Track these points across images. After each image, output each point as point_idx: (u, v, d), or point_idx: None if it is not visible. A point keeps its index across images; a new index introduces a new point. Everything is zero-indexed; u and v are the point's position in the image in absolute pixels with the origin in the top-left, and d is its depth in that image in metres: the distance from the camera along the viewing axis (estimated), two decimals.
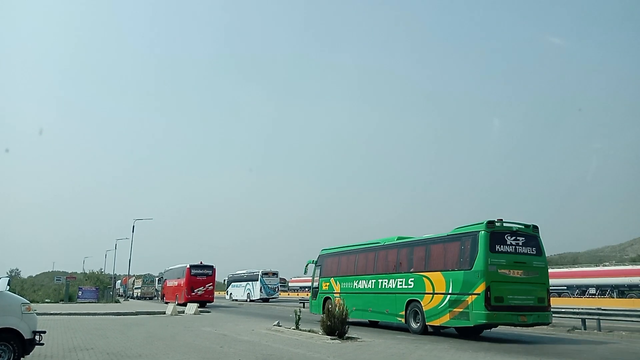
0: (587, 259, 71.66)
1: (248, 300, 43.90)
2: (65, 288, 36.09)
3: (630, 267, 39.54)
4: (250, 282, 44.90)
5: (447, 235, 13.85)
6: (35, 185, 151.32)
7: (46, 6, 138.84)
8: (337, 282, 18.35)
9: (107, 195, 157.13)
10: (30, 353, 7.71)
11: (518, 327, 14.43)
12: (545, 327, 16.43)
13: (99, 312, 22.50)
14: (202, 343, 11.58)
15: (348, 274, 17.93)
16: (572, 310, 17.12)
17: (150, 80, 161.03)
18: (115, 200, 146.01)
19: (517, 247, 12.60)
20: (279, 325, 14.59)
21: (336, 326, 12.03)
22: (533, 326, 13.70)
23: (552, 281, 44.82)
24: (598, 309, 16.32)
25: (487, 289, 11.88)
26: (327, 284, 18.93)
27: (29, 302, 7.99)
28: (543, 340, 13.48)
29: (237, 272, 48.96)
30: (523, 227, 13.04)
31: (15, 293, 8.99)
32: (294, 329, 13.59)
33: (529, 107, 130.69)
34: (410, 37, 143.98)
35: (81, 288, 37.46)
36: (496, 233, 12.49)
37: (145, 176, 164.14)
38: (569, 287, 40.37)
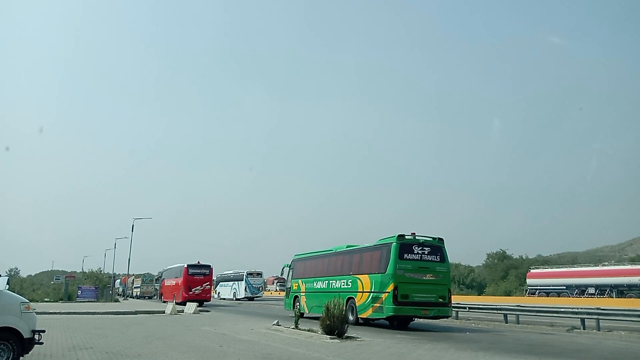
0: (586, 259, 71.67)
1: (234, 298, 45.23)
2: (65, 287, 36.09)
3: (629, 267, 39.52)
4: (236, 282, 46.75)
5: (373, 245, 16.80)
6: (35, 184, 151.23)
7: (46, 5, 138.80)
8: (303, 283, 21.00)
9: (106, 194, 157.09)
10: (30, 352, 7.71)
11: (517, 327, 15.18)
12: (544, 327, 16.58)
13: (98, 311, 22.49)
14: (201, 342, 11.58)
15: (310, 276, 20.58)
16: (571, 310, 17.13)
17: (151, 79, 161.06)
18: (115, 199, 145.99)
19: (423, 255, 15.45)
20: (279, 325, 14.59)
21: (335, 325, 12.04)
22: (435, 319, 16.51)
23: (551, 281, 44.70)
24: (597, 308, 16.34)
25: (395, 288, 14.83)
26: (296, 284, 21.51)
27: (28, 301, 7.99)
28: (542, 340, 13.50)
29: (225, 272, 50.70)
30: (430, 239, 15.82)
31: (14, 292, 8.98)
32: (293, 328, 13.60)
33: (529, 106, 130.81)
34: (411, 35, 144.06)
35: (80, 287, 37.47)
36: (405, 244, 15.37)
37: (145, 175, 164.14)
38: (568, 286, 40.38)
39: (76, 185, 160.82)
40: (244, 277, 45.30)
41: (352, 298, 16.81)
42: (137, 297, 50.04)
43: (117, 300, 38.00)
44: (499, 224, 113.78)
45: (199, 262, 33.06)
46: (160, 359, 9.14)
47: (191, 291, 31.40)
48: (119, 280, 60.51)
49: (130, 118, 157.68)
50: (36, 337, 7.62)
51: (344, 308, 14.26)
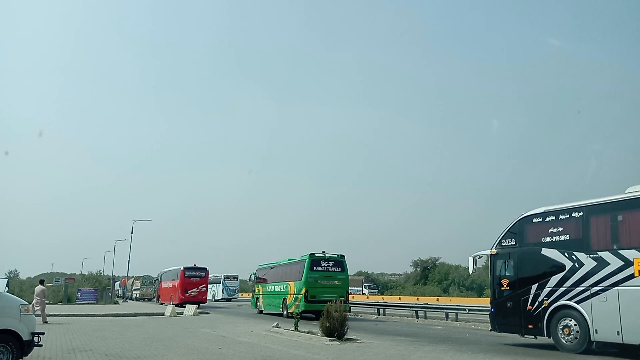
0: None
1: (213, 299, 47.36)
2: (64, 289, 36.01)
3: None
4: (214, 284, 49.00)
5: (296, 260, 22.37)
6: (35, 186, 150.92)
7: (45, 7, 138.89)
8: (261, 287, 26.57)
9: (106, 196, 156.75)
10: (29, 354, 7.70)
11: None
12: None
13: (97, 313, 22.45)
14: (201, 344, 11.57)
15: (264, 282, 26.18)
16: None
17: (150, 80, 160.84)
18: (115, 201, 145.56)
19: (328, 267, 21.00)
20: (278, 327, 14.60)
21: (335, 327, 12.03)
22: None
23: None
24: None
25: (306, 291, 20.28)
26: (257, 288, 27.17)
27: (27, 303, 8.00)
28: (542, 340, 13.48)
29: None
30: (335, 255, 21.40)
31: (13, 294, 8.99)
32: (293, 330, 13.60)
33: (528, 108, 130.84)
34: (412, 36, 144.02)
35: (80, 289, 37.34)
36: (315, 260, 20.88)
37: (144, 177, 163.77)
38: None
39: (75, 187, 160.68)
40: (222, 280, 49.52)
41: (285, 298, 22.54)
42: (137, 299, 49.98)
43: (116, 303, 37.93)
44: (499, 225, 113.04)
45: (195, 265, 33.75)
46: None
47: (187, 293, 32.01)
48: (118, 282, 60.40)
49: (130, 120, 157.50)
50: (35, 339, 7.62)
51: (282, 305, 22.25)
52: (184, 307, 25.31)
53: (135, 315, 22.75)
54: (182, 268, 33.19)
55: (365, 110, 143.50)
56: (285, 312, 21.97)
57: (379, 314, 25.48)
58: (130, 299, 50.95)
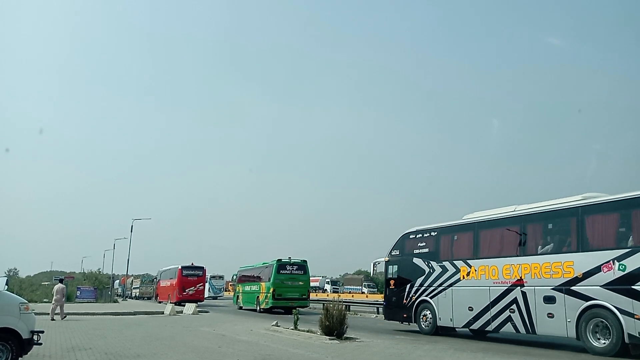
0: None
1: None
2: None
3: None
4: None
5: (268, 263, 26.06)
6: (35, 184, 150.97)
7: (45, 6, 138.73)
8: (240, 287, 30.61)
9: (105, 194, 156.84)
10: (29, 353, 7.70)
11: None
12: None
13: (97, 312, 22.48)
14: (200, 343, 11.58)
15: (243, 282, 30.31)
16: None
17: (149, 79, 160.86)
18: (114, 199, 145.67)
19: (292, 270, 25.15)
20: (278, 325, 14.61)
21: (334, 326, 12.03)
22: (297, 308, 20.48)
23: None
24: None
25: (274, 290, 24.37)
26: (238, 287, 31.24)
27: (27, 301, 7.99)
28: (541, 340, 13.50)
29: None
30: (298, 260, 25.58)
31: (13, 293, 8.99)
32: (292, 329, 13.61)
33: (528, 107, 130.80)
34: (410, 36, 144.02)
35: (79, 288, 37.39)
36: (281, 264, 24.91)
37: (144, 176, 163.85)
38: None
39: (75, 185, 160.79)
40: (208, 279, 50.60)
41: (258, 296, 26.54)
42: (136, 298, 50.02)
43: (116, 301, 37.99)
44: None
45: (192, 264, 34.09)
46: (159, 359, 9.14)
47: (185, 292, 32.33)
48: (118, 281, 60.43)
49: (130, 118, 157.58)
50: (35, 337, 7.62)
51: (256, 302, 26.67)
52: (184, 305, 25.36)
53: (134, 313, 22.77)
54: (179, 267, 33.57)
55: (363, 110, 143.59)
56: (258, 308, 26.22)
57: (378, 313, 25.47)
58: (129, 298, 50.98)
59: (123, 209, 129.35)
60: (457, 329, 13.90)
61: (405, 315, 15.26)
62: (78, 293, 35.53)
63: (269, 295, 24.70)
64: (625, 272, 9.64)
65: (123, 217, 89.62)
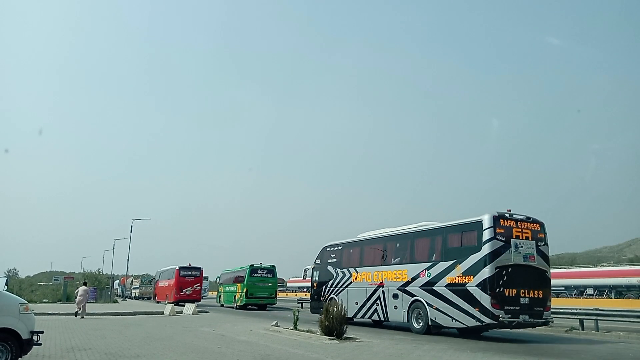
0: (585, 260, 71.74)
1: None
2: (63, 288, 36.05)
3: (628, 267, 39.63)
4: None
5: (243, 267, 30.63)
6: (34, 184, 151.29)
7: (45, 8, 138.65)
8: (222, 287, 35.26)
9: (105, 195, 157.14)
10: (28, 353, 7.69)
11: (514, 330, 15.16)
12: (543, 327, 16.52)
13: (97, 312, 22.43)
14: (200, 343, 11.57)
15: (224, 283, 35.07)
16: (570, 310, 17.15)
17: (149, 79, 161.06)
18: (114, 200, 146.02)
19: (263, 274, 29.95)
20: (277, 326, 14.59)
21: (334, 326, 12.03)
22: (266, 306, 29.91)
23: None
24: (596, 309, 16.35)
25: (247, 290, 29.07)
26: (220, 288, 35.92)
27: (26, 302, 7.97)
28: (541, 340, 13.51)
29: None
30: (268, 265, 30.46)
31: (13, 293, 8.98)
32: (292, 329, 13.60)
33: (528, 108, 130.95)
34: (409, 37, 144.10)
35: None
36: (254, 269, 29.71)
37: (143, 176, 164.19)
38: (567, 287, 40.43)
39: (75, 186, 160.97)
40: None
41: (235, 295, 31.09)
42: (136, 298, 49.97)
43: (115, 301, 37.95)
44: None
45: (190, 264, 34.64)
46: (159, 359, 9.14)
47: (182, 292, 32.90)
48: (117, 281, 60.35)
49: (129, 119, 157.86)
50: (35, 338, 7.60)
51: (233, 300, 31.24)
52: (183, 305, 25.35)
53: (134, 314, 22.74)
54: (177, 267, 34.02)
55: (362, 110, 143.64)
56: (235, 305, 30.70)
57: None
58: (129, 298, 50.92)
59: (123, 209, 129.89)
60: (353, 319, 16.86)
61: (322, 309, 16.56)
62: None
63: (243, 294, 29.54)
64: (430, 278, 14.27)
65: (123, 218, 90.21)
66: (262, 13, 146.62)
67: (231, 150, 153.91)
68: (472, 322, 12.79)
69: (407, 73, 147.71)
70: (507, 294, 12.39)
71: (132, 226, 42.25)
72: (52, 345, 10.32)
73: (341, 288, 18.47)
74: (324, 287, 19.57)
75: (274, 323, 15.01)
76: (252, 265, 29.70)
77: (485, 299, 12.34)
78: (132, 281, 56.46)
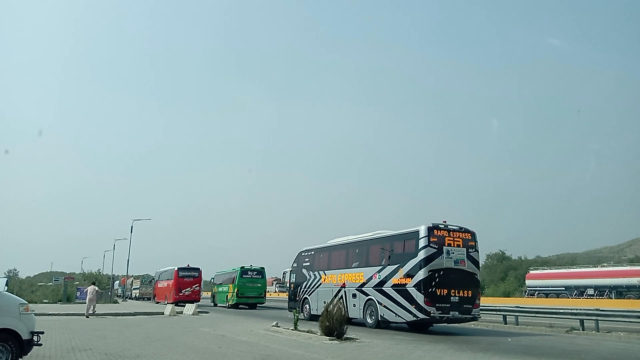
0: (585, 260, 71.62)
1: None
2: (64, 288, 36.02)
3: (628, 267, 39.56)
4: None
5: (235, 269, 32.30)
6: (34, 185, 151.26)
7: (45, 7, 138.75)
8: (216, 287, 36.79)
9: (105, 195, 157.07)
10: (29, 353, 7.69)
11: (516, 328, 16.03)
12: (543, 328, 16.60)
13: (97, 312, 22.43)
14: (200, 344, 11.57)
15: (218, 283, 36.38)
16: (570, 311, 17.13)
17: (150, 79, 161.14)
18: (114, 200, 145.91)
19: (253, 275, 31.60)
20: (278, 326, 14.59)
21: (335, 327, 12.04)
22: (256, 305, 31.63)
23: (550, 282, 44.79)
24: (596, 309, 16.34)
25: (238, 290, 30.87)
26: (214, 288, 37.27)
27: (27, 302, 7.97)
28: (541, 341, 13.51)
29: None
30: (258, 267, 32.16)
31: (13, 293, 8.97)
32: (292, 329, 13.61)
33: (527, 108, 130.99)
34: (410, 37, 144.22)
35: (79, 288, 37.33)
36: (244, 271, 31.45)
37: (144, 176, 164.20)
38: (567, 287, 40.38)
39: (75, 186, 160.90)
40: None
41: (227, 295, 32.82)
42: (137, 299, 49.96)
43: (116, 302, 37.95)
44: (498, 225, 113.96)
45: (188, 265, 35.08)
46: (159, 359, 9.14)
47: (181, 292, 33.34)
48: (118, 282, 60.34)
49: (130, 119, 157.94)
50: (35, 338, 7.60)
51: (226, 299, 32.87)
52: (183, 306, 25.35)
53: (134, 314, 22.75)
54: (176, 268, 34.40)
55: (364, 110, 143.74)
56: (227, 304, 32.38)
57: None
58: (129, 298, 50.91)
59: (123, 209, 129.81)
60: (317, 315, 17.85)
61: (297, 308, 19.63)
62: (78, 294, 35.47)
63: (234, 294, 31.45)
64: (380, 279, 16.18)
65: (123, 218, 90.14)
66: (264, 11, 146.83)
67: (232, 149, 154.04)
68: (410, 318, 14.77)
69: (410, 71, 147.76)
70: (438, 294, 14.28)
71: (132, 227, 42.17)
72: (52, 345, 10.32)
73: (313, 289, 20.24)
74: (299, 288, 21.36)
75: (274, 323, 15.01)
76: (242, 267, 31.59)
77: (420, 298, 14.29)
78: (132, 281, 56.42)
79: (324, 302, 17.91)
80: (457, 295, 14.50)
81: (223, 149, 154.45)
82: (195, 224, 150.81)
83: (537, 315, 17.88)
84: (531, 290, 43.81)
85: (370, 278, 16.64)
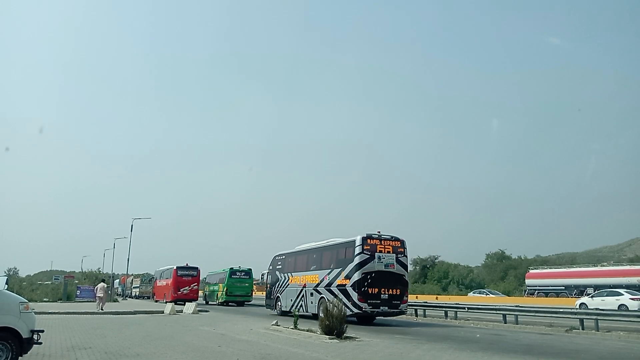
0: (585, 259, 71.68)
1: None
2: (64, 287, 36.05)
3: (628, 267, 39.57)
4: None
5: (224, 270, 35.23)
6: (35, 184, 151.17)
7: (46, 7, 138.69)
8: (207, 286, 39.41)
9: (106, 194, 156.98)
10: (29, 352, 7.70)
11: (516, 327, 15.56)
12: (543, 327, 16.62)
13: (97, 311, 22.47)
14: (200, 342, 11.58)
15: (210, 283, 39.03)
16: (569, 310, 17.17)
17: (151, 79, 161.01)
18: (114, 199, 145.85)
19: (241, 276, 34.55)
20: (277, 325, 14.61)
21: (334, 326, 12.05)
22: (244, 302, 34.33)
23: (550, 281, 44.84)
24: (596, 309, 16.36)
25: (226, 289, 34.02)
26: (206, 287, 39.75)
27: (27, 301, 7.98)
28: (541, 340, 13.52)
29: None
30: (245, 268, 35.05)
31: (13, 292, 8.98)
32: (292, 328, 13.62)
33: (528, 107, 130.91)
34: (411, 37, 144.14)
35: (79, 287, 37.41)
36: (233, 272, 34.44)
37: (144, 175, 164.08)
38: (567, 287, 40.42)
39: (75, 185, 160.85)
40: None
41: (217, 293, 35.57)
42: (137, 297, 50.01)
43: (116, 300, 37.99)
44: (498, 224, 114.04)
45: (187, 264, 35.65)
46: (159, 359, 9.14)
47: (180, 291, 33.90)
48: (117, 280, 60.39)
49: (130, 118, 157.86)
50: (35, 337, 7.61)
51: (216, 297, 35.86)
52: (183, 304, 25.38)
53: (134, 313, 22.77)
54: (174, 267, 34.86)
55: (365, 110, 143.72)
56: (217, 302, 35.22)
57: None
58: (130, 297, 50.95)
59: (123, 208, 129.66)
60: (290, 312, 20.19)
61: (272, 305, 23.71)
62: (78, 292, 35.52)
63: (223, 292, 34.20)
64: (329, 280, 18.71)
65: (123, 217, 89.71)
66: (265, 11, 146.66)
67: (233, 149, 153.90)
68: (348, 312, 16.09)
69: (410, 72, 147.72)
70: (370, 292, 16.94)
71: (132, 225, 42.24)
72: (52, 344, 10.34)
73: (283, 288, 22.72)
74: (273, 287, 23.94)
75: (274, 322, 15.04)
76: (231, 269, 34.57)
77: (354, 296, 16.93)
78: (132, 280, 56.49)
79: (291, 300, 21.62)
80: (386, 293, 17.08)
81: (223, 148, 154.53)
82: (195, 223, 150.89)
83: (536, 314, 17.89)
84: (531, 289, 43.84)
85: (323, 279, 19.22)
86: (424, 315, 22.46)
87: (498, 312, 19.23)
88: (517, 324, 17.82)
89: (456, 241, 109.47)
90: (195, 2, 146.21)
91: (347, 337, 11.98)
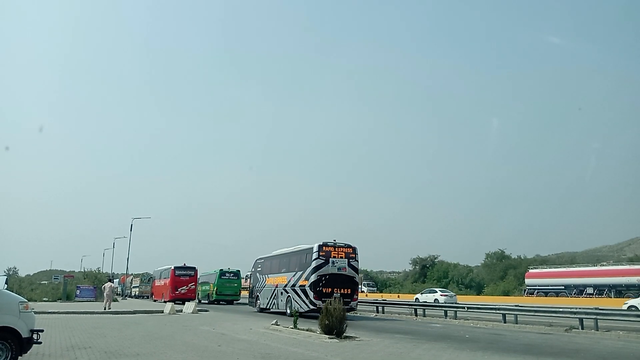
0: (584, 259, 71.63)
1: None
2: (63, 287, 36.03)
3: (627, 266, 39.60)
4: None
5: (215, 271, 36.57)
6: (34, 183, 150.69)
7: (45, 5, 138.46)
8: (200, 286, 38.69)
9: (105, 193, 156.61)
10: (28, 352, 7.70)
11: (516, 327, 15.44)
12: (542, 327, 16.62)
13: (97, 310, 22.46)
14: (200, 342, 11.58)
15: (203, 282, 38.93)
16: (569, 310, 17.14)
17: (149, 79, 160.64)
18: (114, 198, 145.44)
19: (230, 276, 36.20)
20: (277, 324, 14.61)
21: (334, 325, 12.04)
22: (233, 301, 35.68)
23: (549, 281, 44.89)
24: (596, 308, 16.35)
25: (217, 289, 35.62)
26: (199, 287, 38.88)
27: (26, 300, 7.98)
28: (541, 339, 13.52)
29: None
30: (234, 270, 36.69)
31: (12, 291, 8.97)
32: (292, 328, 13.62)
33: (527, 106, 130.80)
34: (409, 37, 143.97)
35: (79, 287, 37.35)
36: (223, 272, 36.12)
37: (144, 174, 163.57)
38: (567, 286, 40.45)
39: (75, 184, 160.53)
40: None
41: (209, 293, 36.78)
42: (136, 297, 49.99)
43: (115, 300, 37.92)
44: (498, 223, 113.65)
45: (184, 264, 36.28)
46: (158, 358, 9.14)
47: (177, 291, 34.41)
48: (117, 280, 60.36)
49: (129, 118, 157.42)
50: (35, 336, 7.61)
51: (207, 296, 37.23)
52: (182, 304, 25.39)
53: (134, 312, 22.76)
54: (172, 267, 35.34)
55: (362, 110, 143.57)
56: (208, 300, 36.49)
57: (377, 312, 25.51)
58: (129, 297, 50.93)
59: (123, 208, 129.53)
60: (268, 310, 23.81)
61: (253, 303, 26.48)
62: (78, 292, 35.49)
63: (214, 292, 35.94)
64: (294, 281, 21.35)
65: (123, 216, 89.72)
66: (261, 12, 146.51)
67: (231, 149, 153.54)
68: (307, 308, 19.49)
69: (407, 72, 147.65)
70: (324, 291, 19.26)
71: (132, 225, 42.40)
72: (52, 343, 10.33)
73: (262, 288, 25.37)
74: (254, 287, 26.72)
75: (274, 322, 15.04)
76: (221, 270, 36.50)
77: (311, 294, 19.52)
78: (132, 280, 56.47)
79: (267, 299, 24.39)
80: (338, 292, 19.23)
81: (224, 148, 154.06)
82: (195, 221, 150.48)
83: (536, 314, 17.88)
84: (530, 289, 43.87)
85: (290, 280, 21.79)
86: (424, 315, 22.48)
87: (498, 311, 19.23)
88: (516, 323, 17.82)
89: (456, 241, 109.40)
90: (192, 3, 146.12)
91: (346, 337, 11.98)
